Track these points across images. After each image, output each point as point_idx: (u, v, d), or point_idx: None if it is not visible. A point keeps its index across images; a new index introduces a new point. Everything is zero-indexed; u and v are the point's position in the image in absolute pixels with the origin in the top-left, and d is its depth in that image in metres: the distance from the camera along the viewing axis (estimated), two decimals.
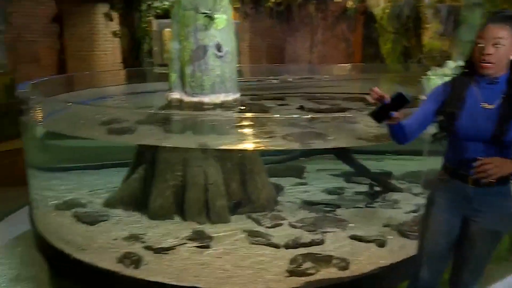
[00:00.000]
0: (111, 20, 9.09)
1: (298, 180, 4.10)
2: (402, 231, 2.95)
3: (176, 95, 3.27)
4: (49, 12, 10.69)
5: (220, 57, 3.26)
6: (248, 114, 2.84)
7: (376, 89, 1.78)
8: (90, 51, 10.27)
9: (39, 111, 3.08)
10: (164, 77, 4.89)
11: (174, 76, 3.30)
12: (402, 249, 2.75)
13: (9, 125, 8.11)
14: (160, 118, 2.91)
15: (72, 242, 2.90)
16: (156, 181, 3.14)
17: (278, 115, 3.01)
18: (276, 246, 2.81)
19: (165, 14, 8.28)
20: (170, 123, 2.89)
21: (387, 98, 1.76)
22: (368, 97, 1.83)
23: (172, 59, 3.32)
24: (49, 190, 3.68)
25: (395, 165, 4.42)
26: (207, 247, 2.78)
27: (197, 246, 2.78)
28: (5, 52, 8.94)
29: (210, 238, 2.86)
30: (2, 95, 8.18)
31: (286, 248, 2.79)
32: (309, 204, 3.49)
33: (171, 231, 2.96)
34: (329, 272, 2.55)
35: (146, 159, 3.29)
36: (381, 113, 1.81)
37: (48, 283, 3.23)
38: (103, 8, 9.85)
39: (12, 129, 8.00)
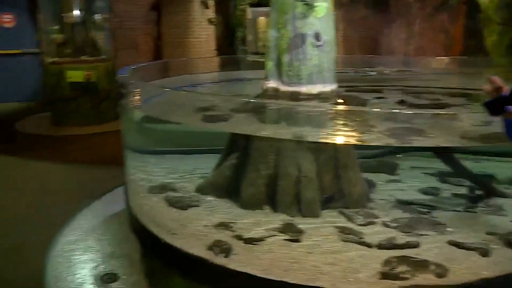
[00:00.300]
0: (207, 7, 9.24)
1: (390, 177, 3.90)
2: (510, 242, 2.70)
3: (272, 84, 3.22)
4: (149, 0, 11.09)
5: (319, 46, 3.15)
6: (346, 107, 2.73)
7: (496, 78, 1.64)
8: (185, 38, 10.52)
9: (138, 95, 3.16)
10: (257, 65, 4.86)
11: (270, 65, 3.24)
12: (510, 261, 2.52)
13: (110, 108, 8.56)
14: (255, 107, 2.87)
15: (163, 226, 2.95)
16: (248, 170, 3.12)
17: (379, 109, 2.86)
18: (369, 245, 2.68)
19: (259, 2, 8.29)
20: (265, 113, 2.84)
21: (507, 90, 1.62)
22: (485, 86, 1.69)
23: (269, 47, 3.26)
24: (143, 173, 3.78)
25: (498, 168, 4.08)
26: (297, 241, 2.71)
27: (287, 239, 2.72)
28: (109, 39, 9.41)
29: (301, 231, 2.79)
30: (104, 80, 8.62)
31: (379, 248, 2.65)
32: (403, 204, 3.31)
33: (262, 221, 2.92)
34: (425, 279, 2.39)
35: (239, 147, 3.27)
36: (496, 105, 1.67)
37: (139, 262, 3.34)
38: None
39: (112, 112, 8.46)
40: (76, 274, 3.33)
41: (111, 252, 3.57)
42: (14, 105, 10.61)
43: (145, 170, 3.83)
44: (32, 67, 10.67)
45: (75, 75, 8.44)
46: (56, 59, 8.78)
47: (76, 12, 8.82)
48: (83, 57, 8.79)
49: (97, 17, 9.24)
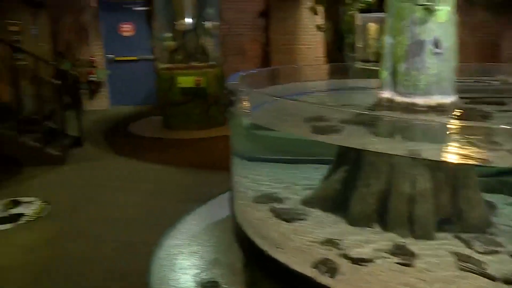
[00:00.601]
0: (316, 14, 9.13)
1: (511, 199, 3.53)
2: None
3: (386, 94, 3.03)
4: (257, 7, 11.26)
5: (438, 54, 2.91)
6: (468, 121, 2.47)
7: None
8: (293, 44, 10.52)
9: (246, 102, 3.13)
10: (367, 74, 4.66)
11: (385, 74, 3.05)
12: None
13: (218, 113, 8.77)
14: (368, 119, 2.71)
15: (267, 237, 2.88)
16: (358, 185, 2.96)
17: (506, 125, 2.57)
18: (492, 278, 2.38)
19: (368, 8, 8.05)
20: (378, 125, 2.66)
21: None
22: None
23: (384, 55, 3.07)
24: (249, 180, 3.75)
25: None
26: (409, 265, 2.49)
27: (398, 262, 2.52)
28: (218, 46, 9.65)
29: (413, 255, 2.57)
30: (213, 85, 8.85)
31: (505, 283, 2.34)
32: None
33: (370, 240, 2.73)
34: None
35: (349, 160, 3.12)
36: None
37: (242, 272, 3.31)
38: (308, 2, 9.99)
39: (221, 117, 8.66)
40: (179, 278, 3.38)
41: (214, 259, 3.59)
42: (130, 109, 11.27)
43: (251, 178, 3.79)
44: (147, 73, 11.28)
45: (186, 81, 8.74)
46: (168, 65, 9.16)
47: (188, 20, 9.14)
48: (193, 63, 9.08)
49: (207, 24, 9.52)
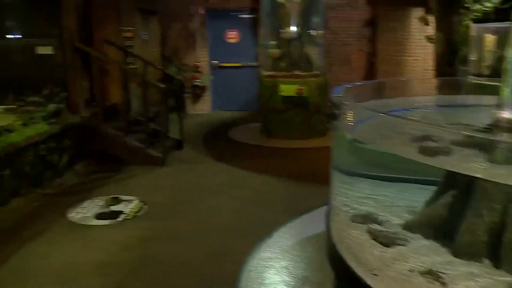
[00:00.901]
0: (427, 24, 8.68)
1: None
2: None
3: (506, 114, 2.73)
4: (364, 16, 10.99)
5: None
6: None
7: None
8: (400, 56, 10.12)
9: (350, 117, 2.98)
10: (481, 90, 4.29)
11: (506, 91, 2.75)
12: None
13: (320, 123, 8.64)
14: (483, 142, 2.44)
15: (363, 261, 2.70)
16: (468, 213, 2.68)
17: None
18: None
19: (484, 18, 7.48)
20: (495, 150, 2.39)
21: None
22: None
23: (507, 70, 2.77)
24: (348, 197, 3.57)
25: None
26: None
27: None
28: (321, 55, 9.54)
29: None
30: (315, 94, 8.73)
31: None
32: None
33: (479, 277, 2.45)
34: None
35: (458, 184, 2.85)
36: None
37: None
38: (417, 12, 9.55)
39: (322, 127, 8.53)
40: None
41: (304, 277, 3.46)
42: (231, 114, 11.48)
43: (350, 194, 3.61)
44: (250, 80, 11.43)
45: (287, 89, 8.70)
46: (271, 72, 9.18)
47: (293, 28, 9.12)
48: (296, 72, 9.03)
49: (313, 32, 9.43)
